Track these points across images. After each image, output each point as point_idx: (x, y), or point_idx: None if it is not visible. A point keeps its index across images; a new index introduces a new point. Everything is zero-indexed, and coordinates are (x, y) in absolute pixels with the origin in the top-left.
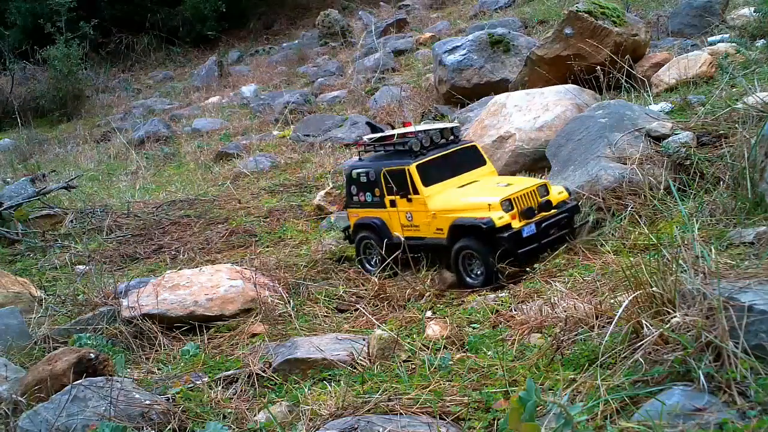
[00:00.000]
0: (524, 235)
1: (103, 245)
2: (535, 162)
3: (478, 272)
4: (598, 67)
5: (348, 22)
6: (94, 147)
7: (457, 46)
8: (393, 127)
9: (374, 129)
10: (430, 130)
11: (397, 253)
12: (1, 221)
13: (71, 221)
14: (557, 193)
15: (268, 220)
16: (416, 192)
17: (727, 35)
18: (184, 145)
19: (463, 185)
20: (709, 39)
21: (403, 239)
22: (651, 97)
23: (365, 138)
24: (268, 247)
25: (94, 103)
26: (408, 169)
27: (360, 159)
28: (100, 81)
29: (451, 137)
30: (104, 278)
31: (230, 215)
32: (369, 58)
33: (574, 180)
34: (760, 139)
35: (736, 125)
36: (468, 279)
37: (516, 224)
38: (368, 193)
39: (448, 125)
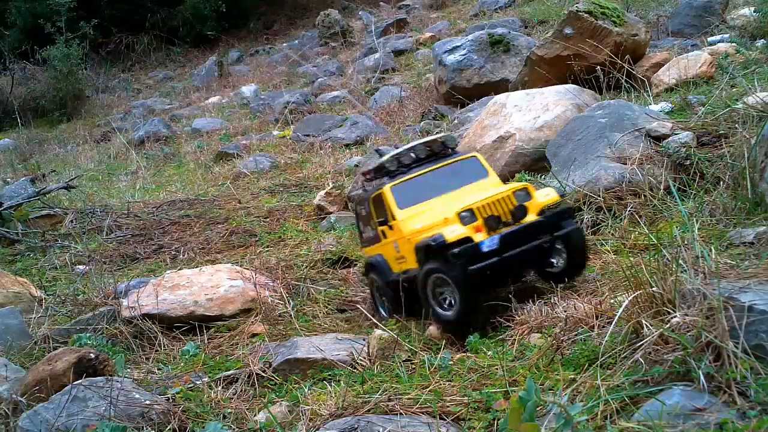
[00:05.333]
0: (484, 249)
1: (103, 245)
2: (535, 162)
3: (452, 302)
4: (598, 67)
5: (348, 22)
6: (94, 147)
7: (457, 46)
8: (381, 155)
9: (382, 156)
10: (414, 145)
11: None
12: (1, 221)
13: (71, 221)
14: (543, 196)
15: (268, 220)
16: (393, 217)
17: (727, 35)
18: (184, 145)
19: (445, 203)
20: (709, 39)
21: (400, 276)
22: (651, 97)
23: (371, 166)
24: (268, 247)
25: (94, 103)
26: (383, 192)
27: (364, 190)
28: (100, 81)
29: (443, 150)
30: (104, 278)
31: (230, 215)
32: (369, 58)
33: (574, 180)
34: (760, 139)
35: (736, 125)
36: (439, 310)
37: (478, 238)
38: (368, 227)
39: (436, 137)
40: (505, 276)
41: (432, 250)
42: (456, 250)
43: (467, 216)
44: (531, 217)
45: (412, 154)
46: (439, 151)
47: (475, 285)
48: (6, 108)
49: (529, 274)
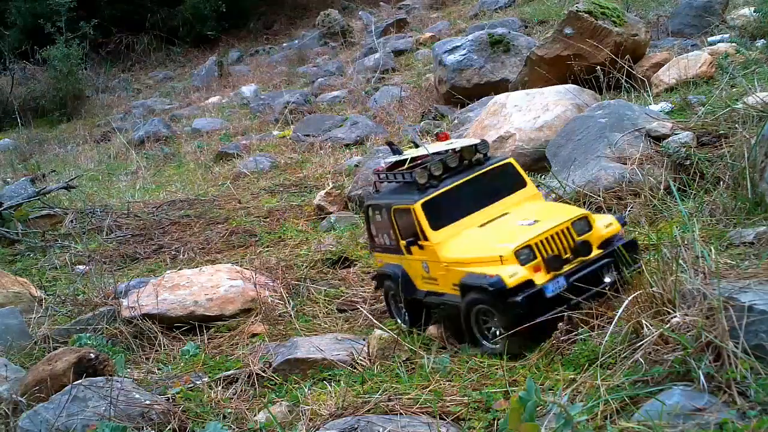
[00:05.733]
0: (548, 294)
1: (103, 245)
2: (535, 162)
3: (498, 333)
4: (598, 67)
5: (348, 22)
6: (94, 147)
7: (457, 46)
8: (417, 146)
9: (395, 152)
10: (444, 152)
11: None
12: (1, 221)
13: (71, 221)
14: (604, 226)
15: (268, 220)
16: (426, 238)
17: (727, 35)
18: (184, 145)
19: (486, 222)
20: (709, 39)
21: (423, 296)
22: (651, 97)
23: (383, 164)
24: (268, 247)
25: (94, 103)
26: (413, 209)
27: (376, 191)
28: (100, 81)
29: (476, 157)
30: (104, 278)
31: (230, 215)
32: (369, 58)
33: (574, 180)
34: (760, 139)
35: (736, 125)
36: (484, 342)
37: (540, 279)
38: (385, 235)
39: (470, 142)
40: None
41: (489, 293)
42: (519, 298)
43: (526, 253)
44: (594, 252)
45: (448, 162)
46: (472, 159)
47: (523, 324)
48: (6, 108)
49: None
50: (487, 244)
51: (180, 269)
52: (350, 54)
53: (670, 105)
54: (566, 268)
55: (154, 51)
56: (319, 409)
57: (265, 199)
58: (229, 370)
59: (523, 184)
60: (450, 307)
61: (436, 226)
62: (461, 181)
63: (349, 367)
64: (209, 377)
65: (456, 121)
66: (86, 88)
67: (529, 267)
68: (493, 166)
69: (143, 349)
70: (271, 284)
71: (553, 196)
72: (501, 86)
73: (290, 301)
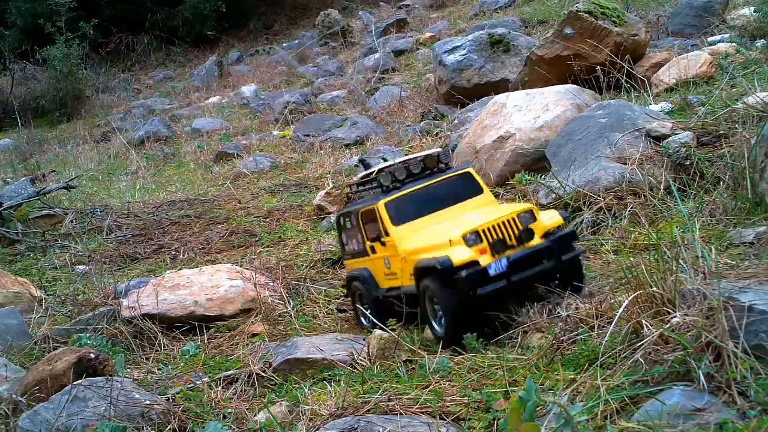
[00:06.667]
0: (491, 273)
1: (103, 245)
2: (535, 162)
3: (441, 319)
4: (598, 67)
5: (348, 22)
6: (94, 147)
7: (457, 46)
8: (386, 161)
9: (366, 167)
10: (408, 160)
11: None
12: (1, 221)
13: (71, 221)
14: (547, 219)
15: (268, 220)
16: (387, 233)
17: (727, 35)
18: (184, 145)
19: (443, 221)
20: (709, 39)
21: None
22: (651, 97)
23: (355, 179)
24: (268, 247)
25: (94, 103)
26: (377, 208)
27: (348, 202)
28: (100, 81)
29: (438, 165)
30: (104, 278)
31: (230, 215)
32: (369, 58)
33: (574, 180)
34: (760, 139)
35: (736, 125)
36: (434, 325)
37: (486, 260)
38: (354, 240)
39: (431, 152)
40: (506, 298)
41: (438, 272)
42: (464, 273)
43: (473, 238)
44: (536, 241)
45: (411, 168)
46: (433, 167)
47: (465, 308)
48: (6, 108)
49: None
50: (440, 234)
51: (180, 269)
52: (350, 54)
53: (670, 105)
54: (509, 252)
55: (154, 51)
56: (319, 409)
57: (265, 199)
58: (229, 370)
59: (480, 191)
60: (408, 297)
61: (396, 223)
62: (423, 185)
63: (349, 367)
64: (209, 377)
65: (456, 121)
66: (86, 88)
67: (475, 249)
68: (452, 174)
69: (143, 349)
70: (271, 284)
71: (553, 195)
72: (501, 86)
73: (290, 301)
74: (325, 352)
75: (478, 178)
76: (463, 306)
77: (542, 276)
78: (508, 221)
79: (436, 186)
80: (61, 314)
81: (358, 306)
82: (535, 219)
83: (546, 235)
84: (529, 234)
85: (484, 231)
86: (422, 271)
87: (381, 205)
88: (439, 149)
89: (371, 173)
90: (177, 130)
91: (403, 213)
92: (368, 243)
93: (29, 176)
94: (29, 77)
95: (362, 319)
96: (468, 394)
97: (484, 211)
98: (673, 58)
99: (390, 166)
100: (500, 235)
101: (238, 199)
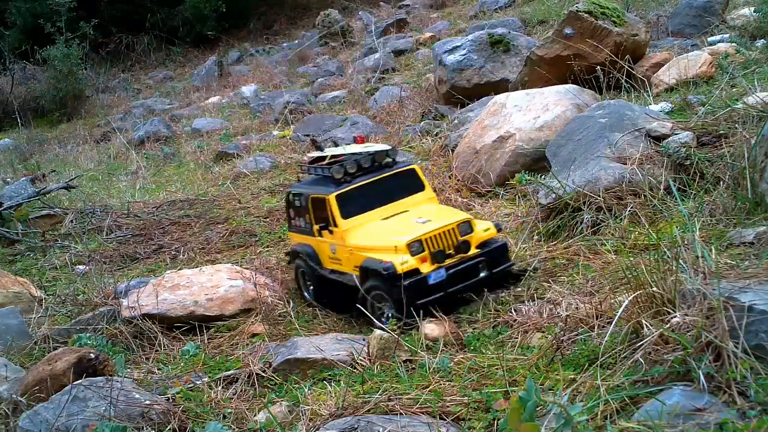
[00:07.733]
0: (431, 281)
1: (103, 245)
2: (535, 162)
3: (390, 316)
4: (598, 67)
5: (348, 22)
6: (94, 147)
7: (457, 46)
8: (337, 145)
9: (318, 148)
10: (359, 154)
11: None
12: (1, 221)
13: (71, 221)
14: (483, 230)
15: (268, 220)
16: (335, 224)
17: (727, 35)
18: (184, 145)
19: (389, 217)
20: (709, 39)
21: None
22: (651, 97)
23: (306, 157)
24: (268, 247)
25: (94, 103)
26: (328, 199)
27: (298, 180)
28: (100, 81)
29: (386, 161)
30: (104, 278)
31: (230, 215)
32: (369, 58)
33: (574, 180)
34: (760, 139)
35: (736, 125)
36: (377, 321)
37: (425, 269)
38: (301, 219)
39: (381, 148)
40: (441, 303)
41: (382, 276)
42: (406, 282)
43: (416, 246)
44: (472, 250)
45: (361, 163)
46: (383, 162)
47: (412, 301)
48: (6, 108)
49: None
50: (386, 236)
51: (180, 269)
52: (350, 54)
53: (670, 105)
54: (448, 261)
55: (154, 51)
56: (319, 409)
57: (265, 199)
58: (229, 370)
59: (422, 188)
60: (350, 286)
61: (345, 216)
62: (371, 179)
63: (349, 367)
64: (209, 377)
65: (456, 121)
66: (86, 88)
67: (417, 258)
68: (399, 170)
69: (143, 349)
70: (271, 284)
71: (553, 195)
72: (501, 86)
73: (290, 301)
74: (325, 352)
75: (421, 174)
76: (410, 300)
77: (475, 285)
78: (449, 231)
79: (384, 181)
80: (61, 314)
81: (301, 280)
82: (472, 230)
83: (481, 245)
84: (467, 246)
85: (426, 240)
86: (368, 271)
87: (332, 198)
88: (388, 146)
89: (324, 157)
90: (177, 130)
91: (352, 206)
92: (315, 226)
93: (29, 176)
94: (29, 77)
95: (305, 293)
96: (468, 394)
97: (428, 215)
98: (673, 58)
99: (341, 156)
100: (440, 245)
101: (238, 199)
